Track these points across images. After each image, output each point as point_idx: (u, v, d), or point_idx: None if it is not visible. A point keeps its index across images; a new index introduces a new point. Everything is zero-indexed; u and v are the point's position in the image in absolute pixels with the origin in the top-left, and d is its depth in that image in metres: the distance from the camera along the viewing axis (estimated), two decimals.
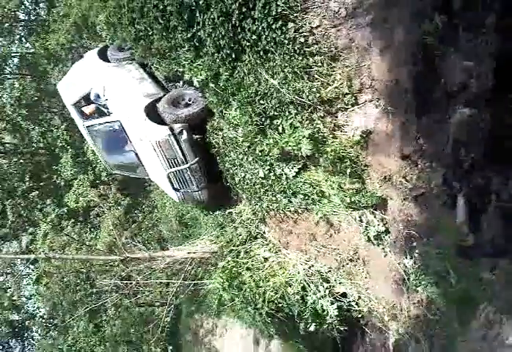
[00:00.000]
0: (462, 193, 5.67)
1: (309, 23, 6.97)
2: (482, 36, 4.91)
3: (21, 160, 18.57)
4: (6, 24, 17.75)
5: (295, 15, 6.99)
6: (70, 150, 17.15)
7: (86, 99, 10.73)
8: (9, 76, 19.56)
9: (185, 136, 9.13)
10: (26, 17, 19.70)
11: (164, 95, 9.69)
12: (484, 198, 5.33)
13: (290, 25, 7.00)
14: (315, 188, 8.19)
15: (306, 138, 7.47)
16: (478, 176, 5.40)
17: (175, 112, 9.25)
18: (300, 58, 7.09)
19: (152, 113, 9.46)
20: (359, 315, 8.71)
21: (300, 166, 8.18)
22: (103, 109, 10.50)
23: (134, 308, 14.64)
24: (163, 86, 10.15)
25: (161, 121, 9.38)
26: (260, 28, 7.13)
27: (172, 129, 9.12)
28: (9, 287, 17.21)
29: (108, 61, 10.85)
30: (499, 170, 5.11)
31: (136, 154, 10.26)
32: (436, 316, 6.76)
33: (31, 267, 17.33)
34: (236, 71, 7.85)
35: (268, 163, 8.45)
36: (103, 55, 11.05)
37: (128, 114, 9.78)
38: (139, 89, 9.90)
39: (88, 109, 10.73)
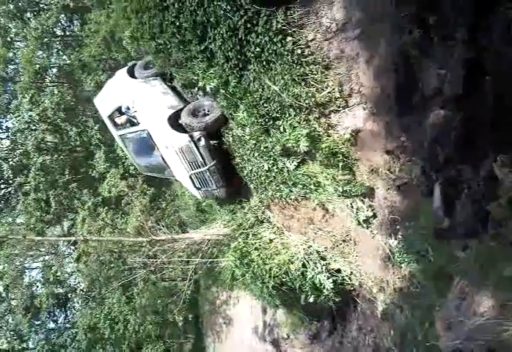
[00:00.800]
0: (438, 183, 5.64)
1: (305, 37, 6.95)
2: (453, 47, 4.88)
3: (61, 157, 18.63)
4: (46, 39, 17.74)
5: (293, 29, 6.98)
6: (103, 148, 17.22)
7: (119, 111, 10.78)
8: (49, 84, 19.62)
9: (203, 142, 9.21)
10: (63, 33, 19.71)
11: (185, 107, 9.69)
12: (457, 187, 5.31)
13: (289, 38, 6.99)
14: (312, 179, 8.20)
15: (304, 136, 7.48)
16: (451, 168, 5.37)
17: (194, 121, 9.28)
18: (298, 67, 7.09)
19: (175, 122, 9.52)
20: (352, 288, 8.72)
21: (299, 161, 8.19)
22: (133, 119, 10.55)
23: (160, 282, 14.74)
24: (183, 98, 10.17)
25: (182, 129, 9.44)
26: (263, 42, 7.13)
27: (191, 136, 9.19)
28: (54, 265, 17.35)
29: (136, 78, 10.89)
30: (469, 163, 5.09)
31: (163, 158, 10.28)
32: (417, 289, 6.77)
33: (72, 247, 17.47)
34: (243, 79, 7.85)
35: (271, 157, 8.47)
36: (131, 73, 11.11)
37: (154, 124, 9.85)
38: (163, 102, 9.97)
39: (120, 120, 10.80)
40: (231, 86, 8.10)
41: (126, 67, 11.65)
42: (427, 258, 6.17)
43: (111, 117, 11.02)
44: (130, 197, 15.84)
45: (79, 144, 18.37)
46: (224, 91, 8.34)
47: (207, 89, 8.69)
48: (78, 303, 18.63)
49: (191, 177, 9.86)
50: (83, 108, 19.34)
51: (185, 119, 9.40)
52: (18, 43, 19.61)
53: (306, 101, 7.27)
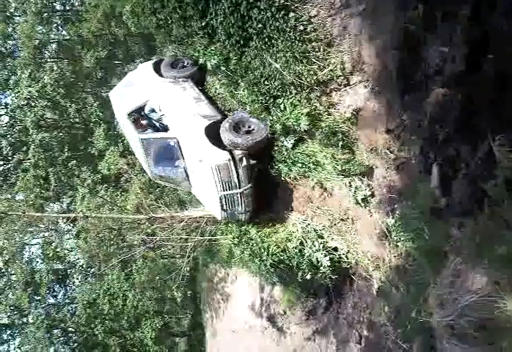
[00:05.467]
0: (436, 163, 5.69)
1: (308, 13, 6.93)
2: (457, 25, 4.85)
3: (60, 134, 18.58)
4: (45, 14, 17.52)
5: (295, 5, 6.95)
6: (102, 125, 17.11)
7: (141, 110, 9.82)
8: (48, 60, 19.43)
9: (244, 163, 8.51)
10: (62, 8, 19.44)
11: (223, 118, 8.93)
12: (455, 166, 5.35)
13: (291, 14, 6.96)
14: (311, 158, 8.23)
15: (305, 115, 7.51)
16: (450, 148, 5.40)
17: (238, 138, 8.43)
18: (300, 44, 7.07)
19: (212, 134, 8.69)
20: (348, 266, 8.81)
21: (298, 139, 8.19)
22: (155, 123, 9.73)
23: (159, 259, 14.87)
24: (217, 107, 9.44)
25: (220, 144, 8.65)
26: (265, 18, 7.10)
27: (232, 155, 8.46)
28: (53, 241, 17.44)
29: (162, 76, 10.02)
30: (467, 143, 5.11)
31: (186, 170, 9.44)
32: (413, 266, 6.86)
33: (71, 224, 17.53)
34: (244, 56, 7.83)
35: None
36: (157, 69, 10.16)
37: (186, 133, 8.97)
38: (196, 109, 9.16)
39: (143, 121, 9.82)
40: (232, 63, 8.09)
41: (151, 62, 10.64)
42: (423, 236, 6.24)
43: (132, 116, 9.82)
44: (129, 175, 15.82)
45: (78, 121, 18.30)
46: (224, 68, 8.32)
47: (208, 66, 8.65)
48: (77, 279, 18.80)
49: (220, 198, 8.88)
50: (82, 85, 19.22)
51: (226, 134, 8.50)
52: (18, 18, 19.34)
53: (308, 79, 7.27)
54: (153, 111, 9.66)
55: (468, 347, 5.17)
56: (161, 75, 10.02)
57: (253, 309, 12.09)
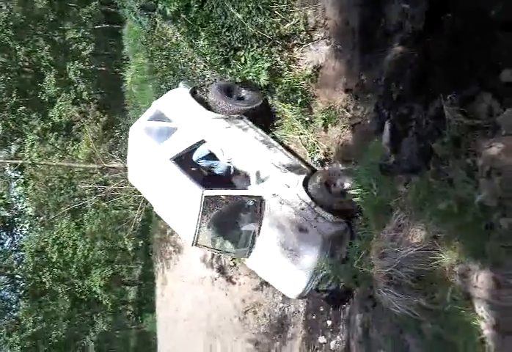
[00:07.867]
0: (389, 120, 5.81)
1: None
2: None
3: (9, 78, 17.64)
4: None
5: None
6: (54, 70, 16.41)
7: (188, 155, 7.72)
8: None
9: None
10: None
11: (311, 170, 7.56)
12: (406, 124, 5.49)
13: None
14: None
15: (265, 69, 7.41)
16: (403, 106, 5.51)
17: (334, 198, 6.92)
18: None
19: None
20: None
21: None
22: (215, 172, 7.89)
23: (111, 210, 14.71)
24: (292, 152, 7.88)
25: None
26: None
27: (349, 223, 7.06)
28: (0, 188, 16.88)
29: (211, 110, 8.01)
30: (420, 101, 5.23)
31: (253, 235, 7.41)
32: (359, 221, 7.12)
33: (19, 172, 16.96)
34: (206, 4, 7.53)
35: None
36: (200, 100, 8.19)
37: (276, 192, 7.11)
38: (273, 158, 7.45)
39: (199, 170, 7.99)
40: (192, 12, 7.77)
41: (187, 89, 8.47)
42: (371, 193, 6.44)
43: (179, 162, 7.54)
44: (81, 123, 15.29)
45: (28, 64, 17.39)
46: (184, 16, 7.99)
47: (168, 12, 8.28)
48: (25, 227, 18.42)
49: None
50: (33, 27, 18.10)
51: (328, 197, 6.95)
52: None
53: (270, 32, 7.15)
54: (210, 156, 7.67)
55: (403, 295, 5.49)
56: (208, 108, 8.03)
57: (204, 261, 12.27)
